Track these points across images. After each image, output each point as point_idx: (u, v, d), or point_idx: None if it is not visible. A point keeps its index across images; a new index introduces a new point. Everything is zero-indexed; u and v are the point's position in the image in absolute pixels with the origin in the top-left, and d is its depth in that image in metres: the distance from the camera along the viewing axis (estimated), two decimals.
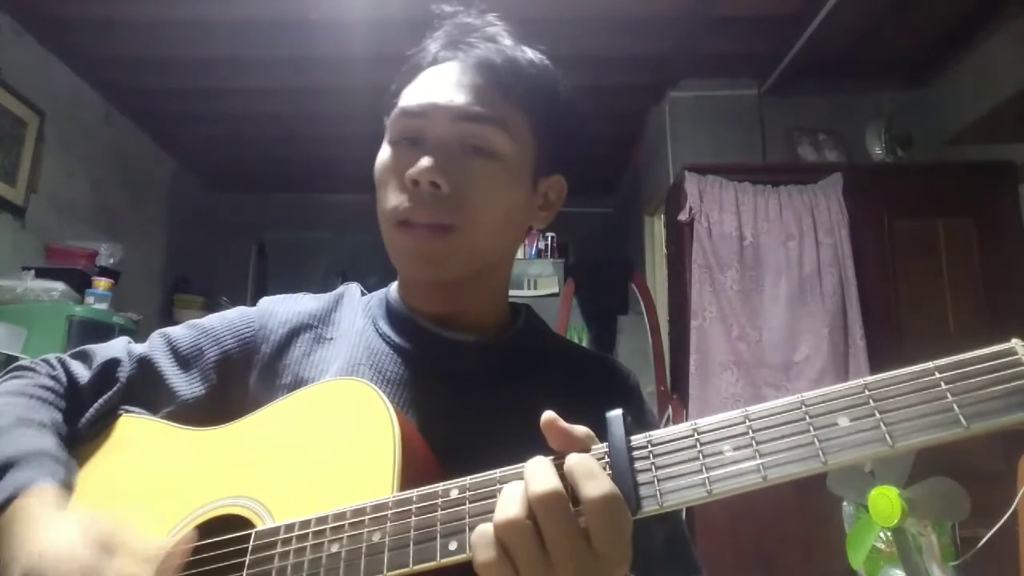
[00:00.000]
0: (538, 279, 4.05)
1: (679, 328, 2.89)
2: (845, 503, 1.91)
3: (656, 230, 3.63)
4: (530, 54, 0.74)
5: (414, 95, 0.70)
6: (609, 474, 0.45)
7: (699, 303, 2.72)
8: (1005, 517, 1.54)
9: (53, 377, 0.73)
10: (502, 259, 0.76)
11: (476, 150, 0.68)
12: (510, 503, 0.44)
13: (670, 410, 2.85)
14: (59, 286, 2.81)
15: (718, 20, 2.87)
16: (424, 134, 0.68)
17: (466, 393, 0.69)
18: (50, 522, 0.56)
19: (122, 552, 0.53)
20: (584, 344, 3.25)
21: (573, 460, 0.45)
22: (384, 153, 0.71)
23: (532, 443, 0.47)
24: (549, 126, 0.73)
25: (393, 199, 0.68)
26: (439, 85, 0.69)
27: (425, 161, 0.65)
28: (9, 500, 0.57)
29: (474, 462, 0.50)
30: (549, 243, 4.12)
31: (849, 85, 3.26)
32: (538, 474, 0.44)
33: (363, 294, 0.82)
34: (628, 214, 4.33)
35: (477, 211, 0.67)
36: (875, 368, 2.65)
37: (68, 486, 0.62)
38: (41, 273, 2.85)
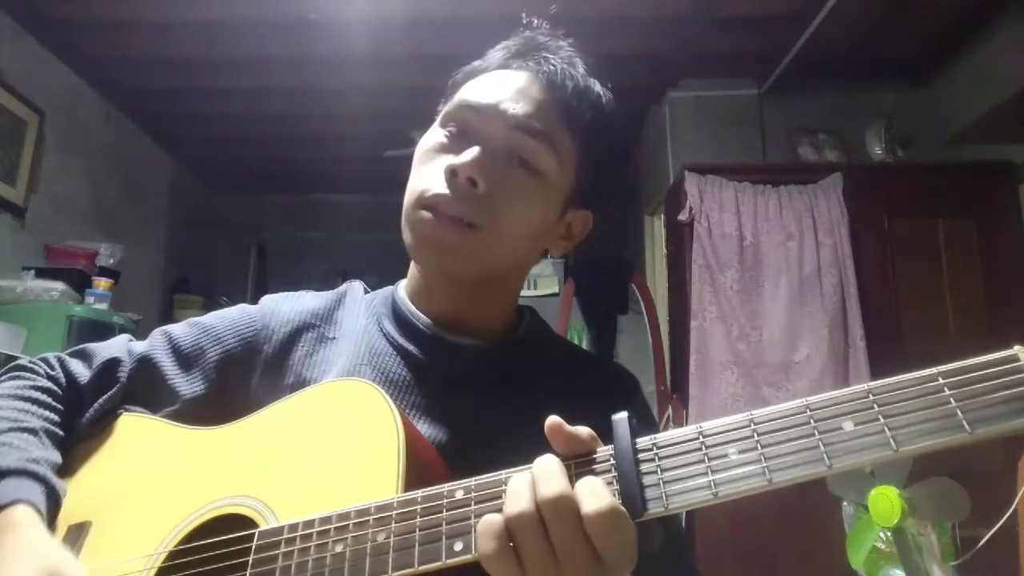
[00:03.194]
0: (538, 279, 4.04)
1: (679, 328, 2.89)
2: (845, 503, 1.91)
3: (656, 230, 3.63)
4: (599, 88, 0.74)
5: (479, 91, 0.70)
6: (615, 476, 0.45)
7: (699, 303, 2.73)
8: (1005, 517, 1.54)
9: (52, 378, 0.72)
10: (514, 272, 0.76)
11: (521, 162, 0.68)
12: (520, 497, 0.44)
13: (670, 410, 2.85)
14: (59, 286, 2.80)
15: (718, 20, 2.87)
16: (477, 131, 0.68)
17: (468, 398, 0.69)
18: (10, 549, 0.55)
19: None
20: (584, 344, 3.25)
21: (578, 483, 0.45)
22: (432, 136, 0.71)
23: (535, 448, 0.47)
24: (595, 162, 0.74)
25: (426, 181, 0.68)
26: (505, 89, 0.70)
27: (469, 155, 0.65)
28: None
29: (477, 467, 0.50)
30: None
31: (849, 85, 3.26)
32: (547, 475, 0.45)
33: (366, 291, 0.81)
34: (628, 214, 4.33)
35: (503, 219, 0.67)
36: (875, 368, 2.66)
37: (53, 496, 0.62)
38: (41, 273, 2.85)
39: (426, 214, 0.66)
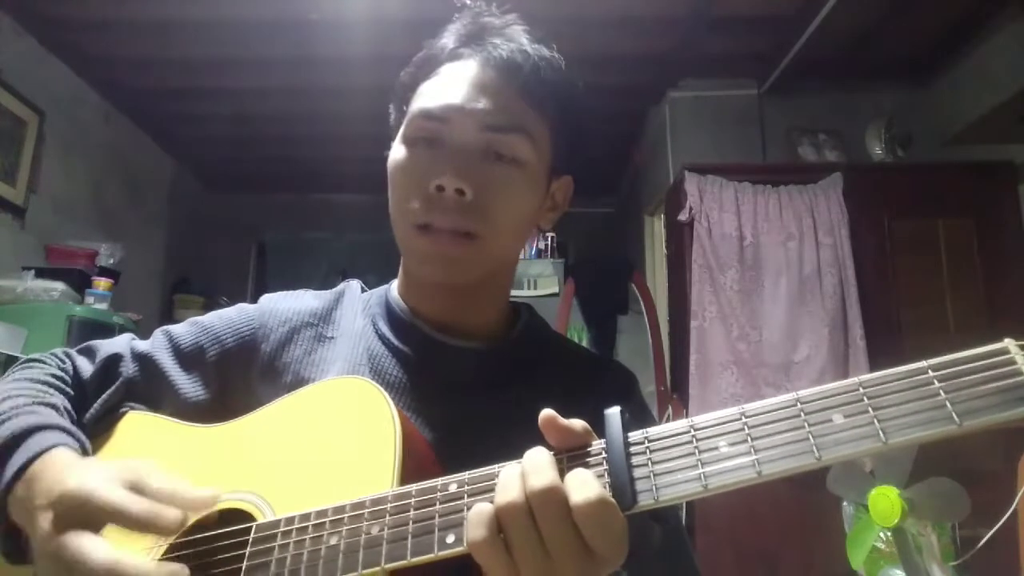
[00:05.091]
0: (538, 279, 4.04)
1: (679, 328, 2.89)
2: (845, 503, 1.91)
3: (656, 230, 3.63)
4: (549, 55, 0.72)
5: (434, 95, 0.69)
6: (606, 469, 0.45)
7: (699, 303, 2.73)
8: (1005, 517, 1.54)
9: (62, 369, 0.74)
10: (510, 262, 0.77)
11: (498, 156, 0.67)
12: (510, 487, 0.45)
13: (670, 410, 2.86)
14: (59, 286, 2.81)
15: (718, 20, 2.87)
16: (447, 138, 0.67)
17: (465, 400, 0.69)
18: (75, 466, 0.56)
19: (152, 492, 0.54)
20: (584, 344, 3.25)
21: (568, 475, 0.45)
22: (399, 152, 0.70)
23: (532, 446, 0.47)
24: (565, 130, 0.73)
25: (413, 202, 0.67)
26: (461, 86, 0.68)
27: (450, 168, 0.65)
28: (36, 456, 0.58)
29: (472, 468, 0.50)
30: (549, 243, 4.12)
31: (849, 85, 3.26)
32: (537, 467, 0.45)
33: (363, 290, 0.81)
34: (628, 214, 4.33)
35: (499, 219, 0.67)
36: (875, 368, 2.62)
37: (84, 450, 0.63)
38: (41, 273, 2.85)
39: (425, 234, 0.66)
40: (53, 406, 0.66)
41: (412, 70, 0.73)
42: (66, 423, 0.64)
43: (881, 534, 1.70)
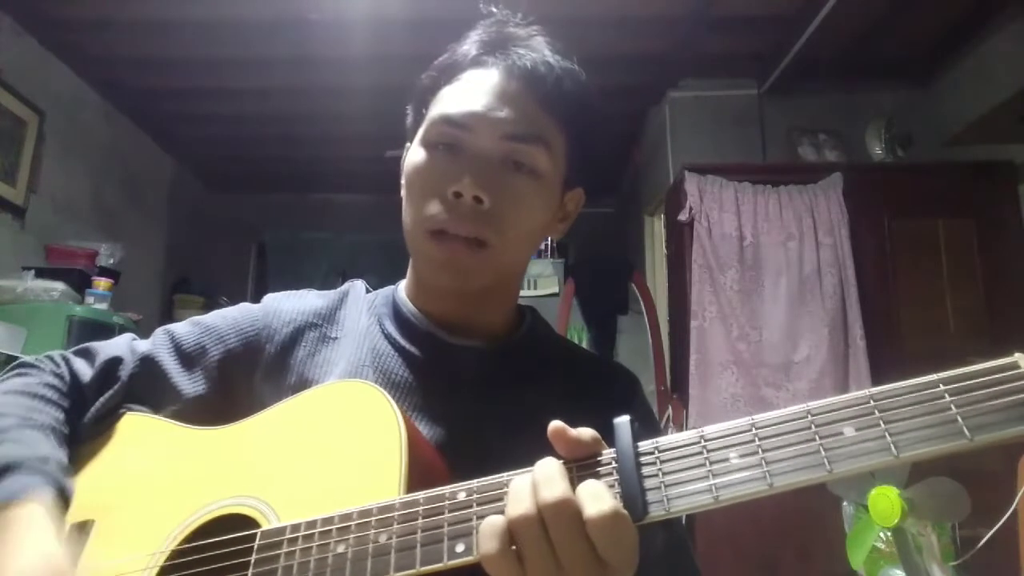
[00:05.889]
0: (538, 279, 4.04)
1: (679, 328, 2.89)
2: (845, 503, 1.91)
3: (656, 230, 3.63)
4: (570, 67, 0.72)
5: (456, 101, 0.69)
6: (617, 479, 0.45)
7: (699, 303, 2.73)
8: (1005, 517, 1.54)
9: (57, 375, 0.72)
10: (520, 269, 0.77)
11: (517, 166, 0.67)
12: (522, 499, 0.44)
13: (670, 410, 2.86)
14: (59, 286, 2.80)
15: (718, 20, 2.87)
16: (467, 145, 0.67)
17: (471, 399, 0.69)
18: (17, 544, 0.55)
19: None
20: (584, 344, 3.25)
21: (580, 486, 0.45)
22: (418, 156, 0.70)
23: (536, 447, 0.47)
24: (582, 142, 0.73)
25: (429, 207, 0.67)
26: (484, 94, 0.68)
27: (469, 175, 0.65)
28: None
29: (478, 469, 0.50)
30: (549, 243, 4.12)
31: (849, 85, 3.26)
32: (548, 479, 0.45)
33: (368, 291, 0.81)
34: (628, 214, 4.33)
35: (512, 229, 0.67)
36: (875, 368, 2.67)
37: (63, 495, 0.61)
38: (41, 273, 2.85)
39: (438, 240, 0.66)
40: (40, 427, 0.65)
41: (434, 74, 0.73)
42: (47, 456, 0.62)
43: (881, 534, 1.70)
